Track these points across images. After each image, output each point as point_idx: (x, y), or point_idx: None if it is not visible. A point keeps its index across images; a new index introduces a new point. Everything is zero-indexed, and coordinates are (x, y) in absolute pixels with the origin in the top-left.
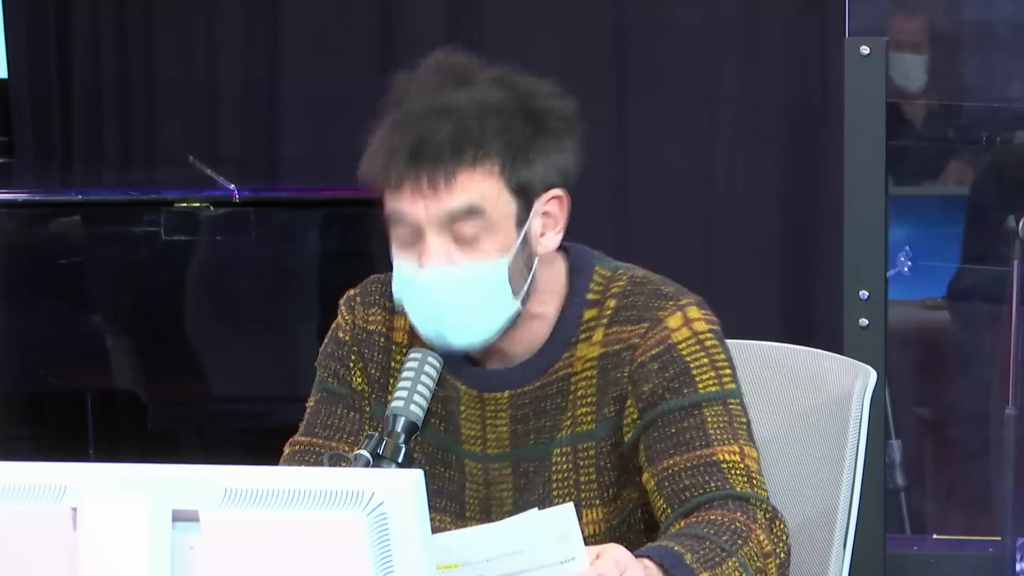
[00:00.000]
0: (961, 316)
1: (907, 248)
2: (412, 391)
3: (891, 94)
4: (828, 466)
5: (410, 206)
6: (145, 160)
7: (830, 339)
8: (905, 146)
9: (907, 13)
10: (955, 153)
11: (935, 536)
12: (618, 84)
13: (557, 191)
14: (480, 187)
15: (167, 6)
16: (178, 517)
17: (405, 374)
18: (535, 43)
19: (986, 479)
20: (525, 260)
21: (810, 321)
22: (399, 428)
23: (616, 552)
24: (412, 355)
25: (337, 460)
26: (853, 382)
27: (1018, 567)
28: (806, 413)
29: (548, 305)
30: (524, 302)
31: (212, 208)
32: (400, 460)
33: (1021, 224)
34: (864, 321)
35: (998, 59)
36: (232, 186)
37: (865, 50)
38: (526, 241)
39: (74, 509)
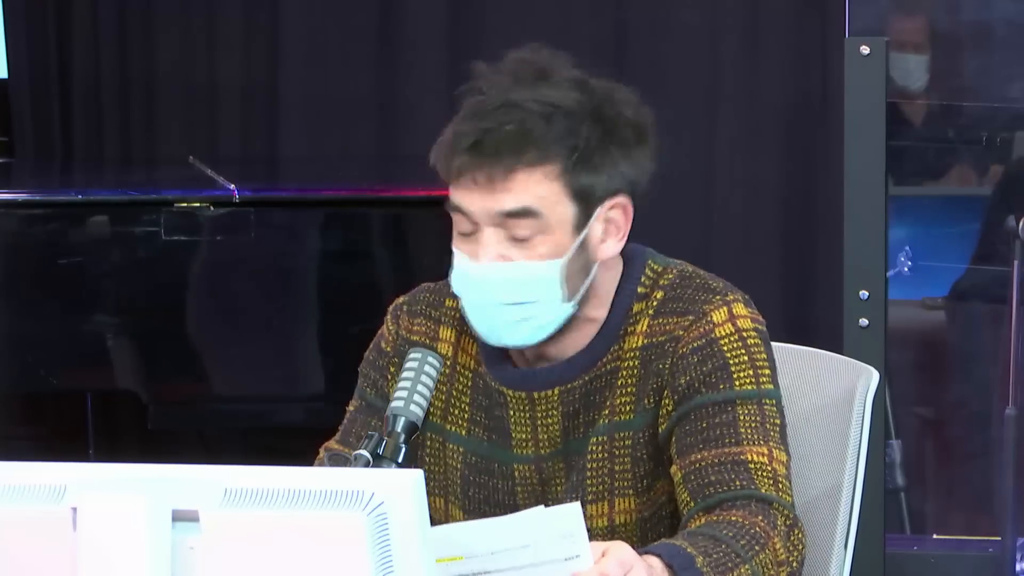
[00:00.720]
0: (961, 316)
1: (907, 248)
2: (412, 391)
3: (891, 94)
4: (830, 466)
5: (467, 198)
6: (145, 160)
7: (830, 339)
8: (905, 146)
9: (907, 13)
10: (955, 153)
11: (935, 536)
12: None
13: (621, 198)
14: (537, 188)
15: (167, 6)
16: (178, 517)
17: (405, 374)
18: (535, 43)
19: (986, 479)
20: (582, 264)
21: (810, 321)
22: (399, 428)
23: (621, 551)
24: (412, 355)
25: (337, 460)
26: (855, 383)
27: (1018, 567)
28: (808, 413)
29: (601, 308)
30: (581, 305)
31: (212, 208)
32: (400, 460)
33: (1021, 224)
34: (864, 321)
35: (998, 59)
36: (232, 186)
37: (865, 50)
38: (584, 245)
39: (74, 509)
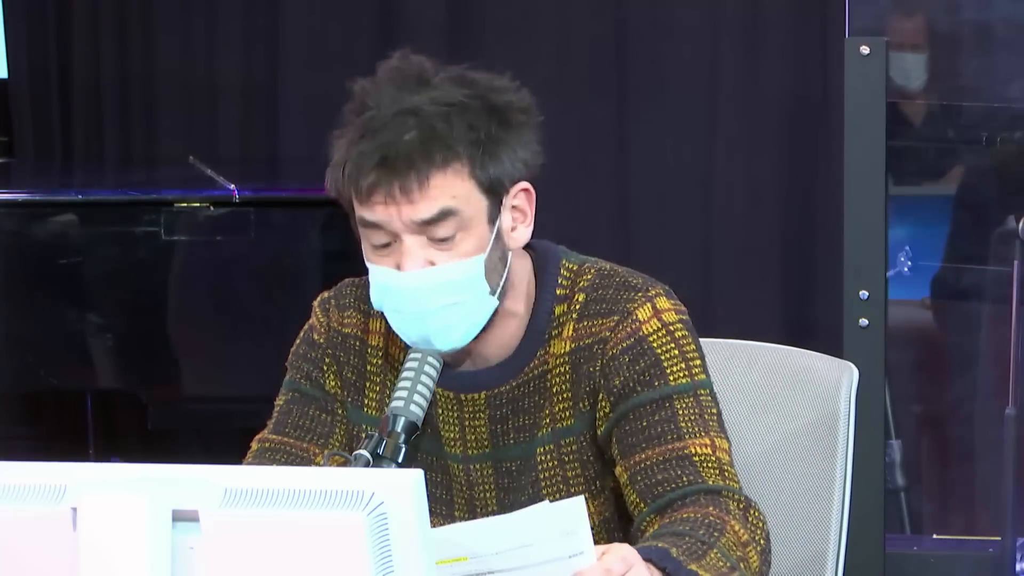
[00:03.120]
0: (950, 314)
1: (907, 248)
2: (412, 391)
3: (891, 94)
4: (820, 465)
5: (383, 213)
6: (145, 160)
7: (830, 339)
8: (905, 146)
9: (907, 13)
10: (956, 154)
11: (935, 536)
12: (618, 84)
13: (524, 184)
14: (452, 188)
15: (167, 6)
16: (178, 517)
17: (405, 374)
18: (535, 43)
19: (986, 479)
20: (500, 256)
21: (810, 321)
22: (399, 428)
23: (623, 549)
24: (412, 355)
25: (337, 460)
26: (839, 380)
27: (1018, 567)
28: (794, 413)
29: (519, 302)
30: (501, 299)
31: (212, 208)
32: (400, 460)
33: (1021, 224)
34: (864, 321)
35: (998, 59)
36: (232, 186)
37: (865, 50)
38: (499, 237)
39: (74, 509)
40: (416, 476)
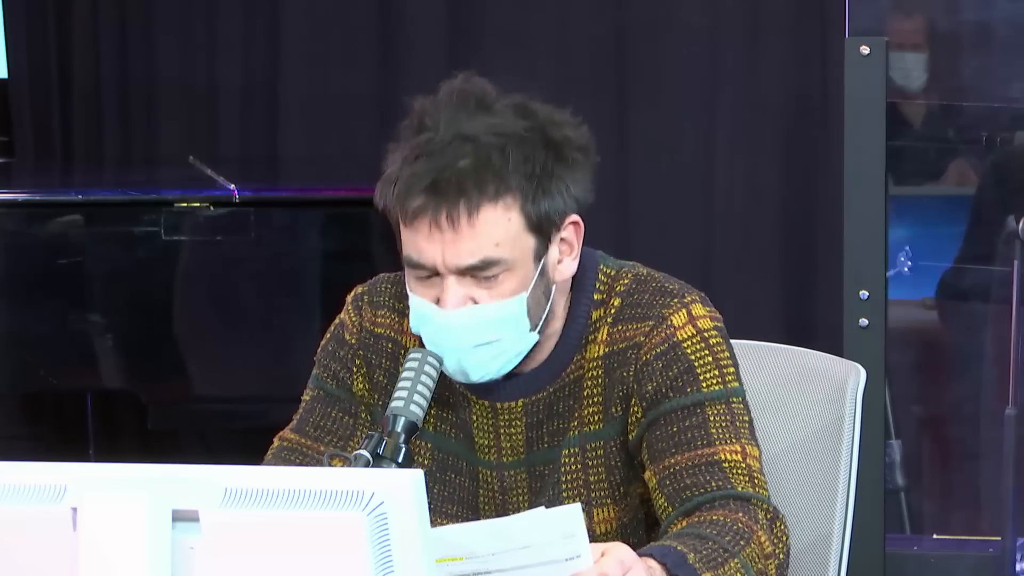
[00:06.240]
0: (954, 315)
1: (907, 248)
2: (412, 391)
3: (891, 94)
4: (824, 465)
5: (427, 247)
6: (145, 160)
7: (830, 339)
8: (905, 146)
9: (907, 13)
10: (955, 153)
11: (935, 536)
12: (618, 85)
13: (574, 217)
14: (498, 227)
15: (167, 7)
16: (178, 517)
17: (405, 374)
18: (535, 43)
19: (986, 479)
20: (543, 291)
21: (810, 321)
22: (399, 428)
23: (621, 552)
24: (412, 355)
25: (337, 460)
26: (845, 381)
27: (1018, 567)
28: (799, 413)
29: (557, 321)
30: (541, 329)
31: (212, 208)
32: (400, 460)
33: (1021, 224)
34: (864, 321)
35: (998, 59)
36: (232, 186)
37: (865, 50)
38: (543, 272)
39: (74, 509)
40: (416, 476)
